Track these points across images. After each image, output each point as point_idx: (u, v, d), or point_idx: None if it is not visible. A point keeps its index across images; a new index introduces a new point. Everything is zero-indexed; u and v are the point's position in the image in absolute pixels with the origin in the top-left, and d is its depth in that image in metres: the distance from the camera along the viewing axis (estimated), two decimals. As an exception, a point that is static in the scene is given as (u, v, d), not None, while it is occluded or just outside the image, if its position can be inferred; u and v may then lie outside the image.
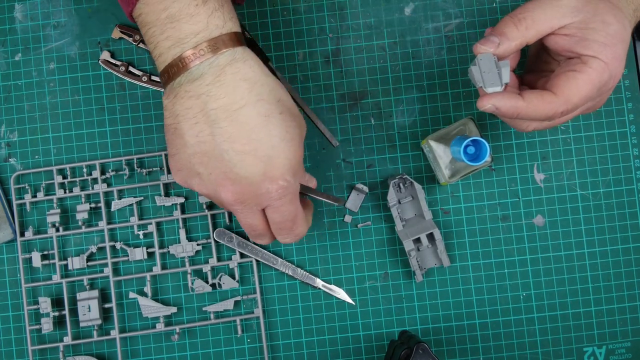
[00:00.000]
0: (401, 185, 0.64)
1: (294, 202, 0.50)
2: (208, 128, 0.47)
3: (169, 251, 0.65)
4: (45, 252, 0.65)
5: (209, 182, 0.49)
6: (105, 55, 0.65)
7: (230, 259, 0.65)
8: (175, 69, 0.47)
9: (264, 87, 0.47)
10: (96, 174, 0.65)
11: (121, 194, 0.65)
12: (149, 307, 0.64)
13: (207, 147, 0.47)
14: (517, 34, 0.49)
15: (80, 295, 0.63)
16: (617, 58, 0.49)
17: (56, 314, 0.63)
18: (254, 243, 0.64)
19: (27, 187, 0.65)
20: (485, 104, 0.49)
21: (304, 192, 0.54)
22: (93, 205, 0.65)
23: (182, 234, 0.65)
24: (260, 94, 0.47)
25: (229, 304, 0.64)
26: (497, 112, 0.50)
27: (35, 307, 0.63)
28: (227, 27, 0.47)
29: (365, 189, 0.65)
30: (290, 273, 0.64)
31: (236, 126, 0.47)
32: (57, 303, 0.64)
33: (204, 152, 0.47)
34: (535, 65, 0.57)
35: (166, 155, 0.65)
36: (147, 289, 0.64)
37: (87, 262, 0.64)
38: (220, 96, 0.46)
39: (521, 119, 0.51)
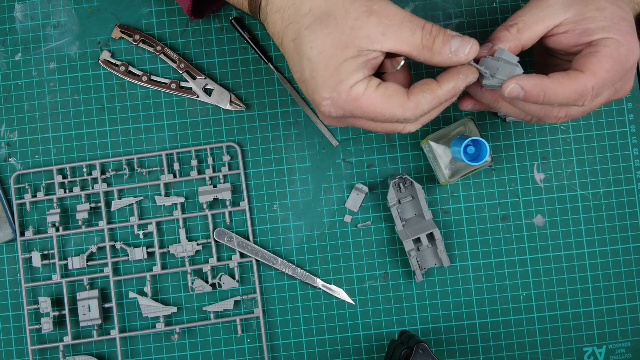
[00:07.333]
0: (401, 185, 0.64)
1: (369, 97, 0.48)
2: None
3: (169, 251, 0.65)
4: (46, 252, 0.65)
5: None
6: (106, 55, 0.65)
7: (231, 259, 0.65)
8: None
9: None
10: (96, 174, 0.65)
11: (121, 194, 0.65)
12: (149, 307, 0.64)
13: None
14: (510, 36, 0.50)
15: (80, 295, 0.63)
16: (627, 33, 0.49)
17: (56, 314, 0.63)
18: (255, 242, 0.65)
19: (27, 187, 0.65)
20: (510, 85, 0.47)
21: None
22: (93, 205, 0.65)
23: (182, 234, 0.65)
24: (289, 18, 0.49)
25: (229, 304, 0.64)
26: (523, 95, 0.48)
27: (35, 307, 0.63)
28: None
29: (365, 189, 0.65)
30: (290, 273, 0.64)
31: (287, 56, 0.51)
32: (57, 303, 0.64)
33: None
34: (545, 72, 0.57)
35: (167, 155, 0.65)
36: (147, 289, 0.64)
37: (87, 262, 0.64)
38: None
39: (549, 103, 0.48)
